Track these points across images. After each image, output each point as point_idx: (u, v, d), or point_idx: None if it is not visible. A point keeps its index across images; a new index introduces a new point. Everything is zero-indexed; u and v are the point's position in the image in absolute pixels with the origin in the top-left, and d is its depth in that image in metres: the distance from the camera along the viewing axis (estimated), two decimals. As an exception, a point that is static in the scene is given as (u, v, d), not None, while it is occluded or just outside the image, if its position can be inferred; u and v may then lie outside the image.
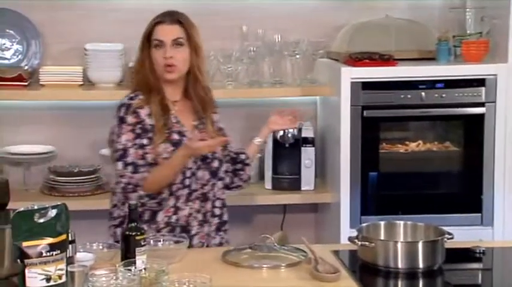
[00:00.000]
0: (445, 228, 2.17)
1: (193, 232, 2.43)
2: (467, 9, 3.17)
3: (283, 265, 2.14)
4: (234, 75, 3.17)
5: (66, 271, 1.79)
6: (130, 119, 2.40)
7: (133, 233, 2.00)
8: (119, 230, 2.39)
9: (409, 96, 3.01)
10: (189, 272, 1.94)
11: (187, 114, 2.47)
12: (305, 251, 2.18)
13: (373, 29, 3.24)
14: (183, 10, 3.26)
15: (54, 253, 1.75)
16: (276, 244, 2.25)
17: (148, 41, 2.45)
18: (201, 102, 2.47)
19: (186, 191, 2.42)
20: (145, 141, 2.39)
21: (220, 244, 2.48)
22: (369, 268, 2.11)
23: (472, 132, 3.07)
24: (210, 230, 2.47)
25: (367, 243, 2.11)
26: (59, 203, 1.80)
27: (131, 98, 2.45)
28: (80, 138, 3.29)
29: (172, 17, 2.46)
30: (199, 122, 2.47)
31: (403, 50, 3.19)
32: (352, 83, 2.99)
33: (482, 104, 3.03)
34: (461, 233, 2.35)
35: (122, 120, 2.41)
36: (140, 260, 1.97)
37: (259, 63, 3.21)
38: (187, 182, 2.42)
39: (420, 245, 2.09)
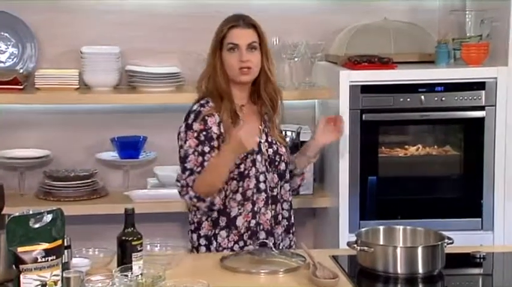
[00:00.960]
0: (445, 233, 2.15)
1: (276, 235, 2.47)
2: (467, 12, 3.16)
3: (281, 270, 2.12)
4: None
5: (62, 276, 1.77)
6: (196, 126, 2.43)
7: (130, 238, 1.99)
8: (195, 236, 2.48)
9: (408, 99, 2.99)
10: (187, 278, 1.92)
11: (254, 118, 2.50)
12: (303, 257, 2.16)
13: (372, 32, 3.22)
14: (180, 12, 3.29)
15: (50, 258, 1.73)
16: (274, 249, 2.23)
17: (221, 44, 2.46)
18: (271, 103, 2.51)
19: (263, 195, 2.44)
20: (206, 148, 2.40)
21: (290, 247, 2.52)
22: (368, 273, 2.09)
23: (472, 136, 3.05)
24: (280, 232, 2.50)
25: (366, 248, 2.09)
26: (54, 208, 1.78)
27: (202, 105, 2.47)
28: (76, 143, 3.26)
29: (246, 20, 2.48)
30: (264, 125, 2.50)
31: (402, 53, 3.17)
32: (351, 86, 2.98)
33: (482, 108, 3.01)
34: (462, 238, 2.34)
35: (188, 127, 2.44)
36: (137, 265, 1.95)
37: (257, 67, 3.18)
38: (262, 186, 2.44)
39: (420, 250, 2.07)
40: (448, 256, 2.10)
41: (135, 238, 1.99)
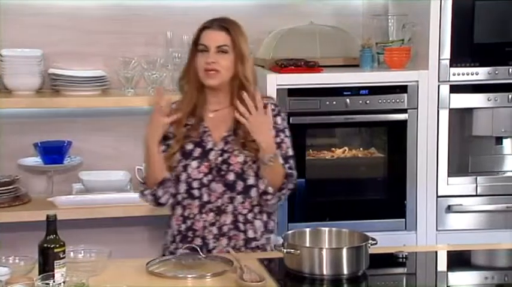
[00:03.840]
0: (371, 234, 2.18)
1: (210, 246, 2.40)
2: (389, 17, 3.23)
3: (208, 274, 2.11)
4: (159, 82, 3.12)
5: (-21, 287, 1.71)
6: None
7: (52, 246, 1.94)
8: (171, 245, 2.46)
9: (334, 102, 3.04)
10: (111, 284, 1.88)
11: (223, 124, 2.43)
12: (231, 260, 2.16)
13: (298, 36, 3.25)
14: (106, 14, 3.24)
15: (-35, 268, 1.67)
16: (201, 254, 2.22)
17: (196, 46, 2.42)
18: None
19: (196, 202, 2.40)
20: (163, 147, 2.42)
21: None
22: (294, 275, 2.10)
23: (396, 138, 3.12)
24: (239, 245, 2.39)
25: (292, 250, 2.10)
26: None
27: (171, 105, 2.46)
28: (-3, 148, 3.17)
29: (221, 23, 2.43)
30: (231, 133, 2.41)
31: (327, 57, 3.21)
32: (278, 89, 3.00)
33: (404, 111, 3.08)
34: (387, 239, 2.38)
35: None
36: (59, 273, 1.91)
37: (184, 70, 3.17)
38: (196, 193, 2.39)
39: (344, 252, 2.09)
40: (372, 257, 2.13)
41: (57, 245, 1.95)
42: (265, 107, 2.37)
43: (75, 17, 3.22)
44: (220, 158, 2.40)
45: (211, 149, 2.41)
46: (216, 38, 2.40)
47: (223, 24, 2.43)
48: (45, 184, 3.20)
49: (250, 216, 2.43)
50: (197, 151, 2.41)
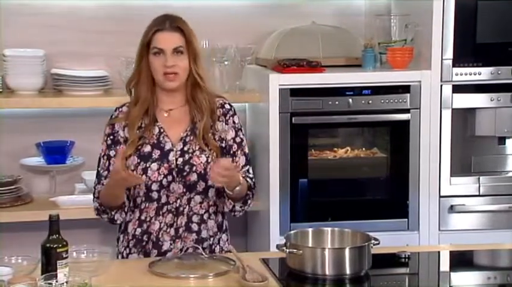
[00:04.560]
0: (373, 234, 2.18)
1: (165, 247, 2.35)
2: (392, 17, 3.23)
3: (210, 274, 2.11)
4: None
5: (-19, 287, 1.71)
6: (107, 129, 2.41)
7: (55, 246, 1.94)
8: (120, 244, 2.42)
9: (336, 102, 3.03)
10: (114, 284, 1.88)
11: (179, 123, 2.39)
12: (233, 260, 2.16)
13: (300, 36, 3.25)
14: (109, 14, 3.24)
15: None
16: (203, 254, 2.21)
17: (147, 48, 2.37)
18: (200, 110, 2.38)
19: (154, 204, 2.36)
20: (112, 153, 2.37)
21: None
22: (297, 275, 2.10)
23: (398, 138, 3.12)
24: (186, 247, 2.34)
25: (295, 250, 2.10)
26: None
27: (116, 109, 2.44)
28: (-1, 148, 3.18)
29: (172, 23, 2.38)
30: (189, 132, 2.38)
31: (330, 57, 3.21)
32: (280, 89, 3.00)
33: (407, 111, 3.08)
34: (389, 239, 2.39)
35: (104, 132, 2.42)
36: (62, 273, 1.91)
37: (186, 70, 3.17)
38: (154, 195, 2.35)
39: (347, 252, 2.09)
40: (374, 257, 2.13)
41: (60, 245, 1.94)
42: (222, 106, 2.41)
43: (77, 17, 3.22)
44: (181, 159, 2.35)
45: (170, 150, 2.36)
46: (171, 40, 2.35)
47: (175, 24, 2.38)
48: (47, 183, 3.20)
49: (205, 216, 2.39)
50: (156, 153, 2.35)
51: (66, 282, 1.87)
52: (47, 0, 3.19)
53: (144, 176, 2.32)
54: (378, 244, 2.14)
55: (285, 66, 3.05)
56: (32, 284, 1.84)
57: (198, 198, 2.37)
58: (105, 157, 2.40)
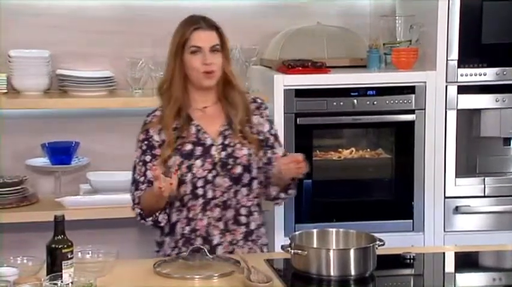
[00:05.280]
0: (378, 235, 2.18)
1: (215, 241, 2.39)
2: (397, 17, 3.22)
3: (215, 275, 2.11)
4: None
5: (-13, 287, 1.72)
6: (141, 136, 2.44)
7: (60, 246, 1.95)
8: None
9: (341, 103, 3.03)
10: (119, 285, 1.88)
11: (215, 120, 2.44)
12: (238, 261, 2.16)
13: (305, 37, 3.25)
14: (114, 15, 3.25)
15: (-27, 268, 1.67)
16: (208, 254, 2.22)
17: (182, 48, 2.39)
18: (234, 106, 2.43)
19: (200, 200, 2.39)
20: (148, 158, 2.40)
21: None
22: (301, 276, 2.10)
23: (403, 139, 3.11)
24: (236, 239, 2.40)
25: (299, 251, 2.10)
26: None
27: (149, 115, 2.46)
28: (5, 149, 3.18)
29: (207, 22, 2.42)
30: (227, 127, 2.43)
31: (335, 58, 3.21)
32: (285, 90, 3.00)
33: (412, 111, 3.07)
34: (394, 240, 2.38)
35: (137, 138, 2.45)
36: (67, 273, 1.91)
37: (191, 71, 3.17)
38: (200, 191, 2.38)
39: (352, 253, 2.09)
40: (379, 258, 2.13)
41: (65, 246, 1.95)
42: (254, 101, 2.48)
43: (82, 17, 3.23)
44: (223, 153, 2.40)
45: (211, 145, 2.41)
46: (209, 38, 2.39)
47: (211, 22, 2.43)
48: (52, 184, 3.21)
49: (252, 208, 2.44)
50: (198, 150, 2.40)
51: (72, 282, 1.87)
52: (53, 0, 3.19)
53: (189, 173, 2.36)
54: (383, 245, 2.14)
55: (290, 67, 3.05)
56: (37, 284, 1.85)
57: (244, 190, 2.42)
58: (141, 163, 2.41)
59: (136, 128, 3.24)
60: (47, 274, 1.91)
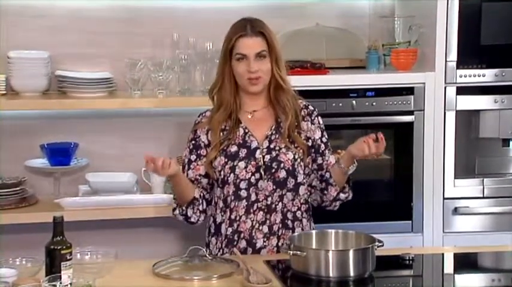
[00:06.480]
0: (377, 236, 2.18)
1: (258, 245, 2.40)
2: (396, 18, 3.23)
3: (214, 276, 2.11)
4: (165, 83, 3.12)
5: (-15, 288, 1.72)
6: (190, 135, 2.50)
7: (59, 247, 1.95)
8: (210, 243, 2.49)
9: (340, 104, 3.04)
10: (118, 286, 1.88)
11: (263, 123, 2.46)
12: (237, 262, 2.16)
13: (304, 37, 3.26)
14: (113, 16, 3.24)
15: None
16: (207, 255, 2.22)
17: (230, 54, 2.41)
18: (283, 109, 2.44)
19: (243, 203, 2.40)
20: (193, 157, 2.46)
21: None
22: (300, 277, 2.10)
23: (402, 140, 3.11)
24: (281, 245, 2.39)
25: (298, 252, 2.10)
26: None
27: (200, 115, 2.51)
28: (4, 150, 3.17)
29: (253, 27, 2.42)
30: (275, 131, 2.44)
31: (334, 59, 3.22)
32: (284, 91, 2.99)
33: (411, 112, 3.08)
34: (393, 241, 2.39)
35: (188, 137, 2.51)
36: (66, 274, 1.91)
37: (190, 72, 3.17)
38: (243, 193, 2.39)
39: (351, 254, 2.09)
40: (378, 259, 2.13)
41: (64, 247, 1.95)
42: (306, 107, 2.50)
43: (81, 18, 3.22)
44: (268, 156, 2.41)
45: (256, 148, 2.42)
46: (253, 45, 2.40)
47: (256, 28, 2.43)
48: (51, 185, 3.20)
49: (298, 214, 2.44)
50: (243, 152, 2.42)
51: (70, 284, 1.87)
52: (52, 1, 3.19)
53: (232, 174, 2.39)
54: (382, 245, 2.14)
55: (289, 68, 3.05)
56: (36, 285, 1.85)
57: (289, 195, 2.42)
58: (186, 161, 2.48)
59: (135, 129, 3.27)
60: (46, 275, 1.91)
